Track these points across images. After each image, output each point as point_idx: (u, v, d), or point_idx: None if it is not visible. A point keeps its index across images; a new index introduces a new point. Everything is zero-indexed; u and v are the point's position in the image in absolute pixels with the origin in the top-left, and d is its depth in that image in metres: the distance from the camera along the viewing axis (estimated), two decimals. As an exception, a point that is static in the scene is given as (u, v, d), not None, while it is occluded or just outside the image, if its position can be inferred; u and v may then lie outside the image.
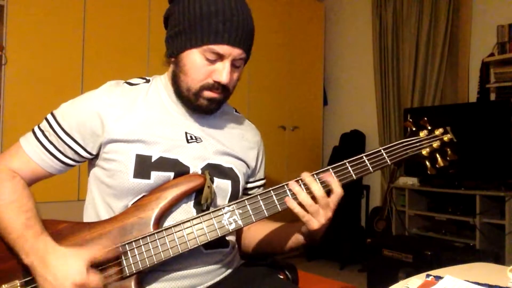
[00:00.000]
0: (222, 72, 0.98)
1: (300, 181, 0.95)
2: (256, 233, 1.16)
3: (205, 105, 1.02)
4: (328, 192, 0.96)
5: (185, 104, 1.05)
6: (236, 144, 1.12)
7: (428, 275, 0.94)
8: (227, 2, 0.98)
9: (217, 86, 1.00)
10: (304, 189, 0.94)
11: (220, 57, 0.98)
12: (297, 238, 1.07)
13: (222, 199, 1.04)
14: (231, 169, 1.07)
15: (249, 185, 1.18)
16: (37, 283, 0.87)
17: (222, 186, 1.04)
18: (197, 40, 0.97)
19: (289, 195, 0.95)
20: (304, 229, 1.01)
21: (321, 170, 0.97)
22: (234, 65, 1.01)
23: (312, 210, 0.93)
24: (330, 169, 0.97)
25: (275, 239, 1.12)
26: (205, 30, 0.96)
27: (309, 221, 0.94)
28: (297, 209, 0.93)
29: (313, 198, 0.93)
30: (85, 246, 0.91)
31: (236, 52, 0.99)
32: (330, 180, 0.95)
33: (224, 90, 1.02)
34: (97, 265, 0.89)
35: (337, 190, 0.94)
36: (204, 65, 0.98)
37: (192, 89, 1.00)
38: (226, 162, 1.07)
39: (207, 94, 1.00)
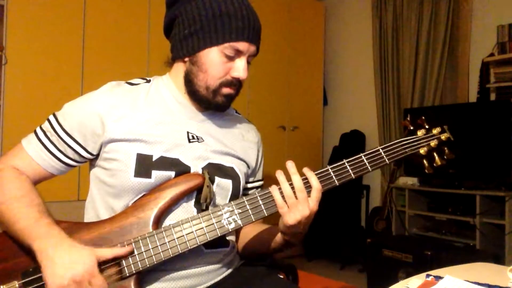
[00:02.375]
0: (241, 69, 1.01)
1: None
2: (245, 234, 1.16)
3: (222, 102, 1.04)
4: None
5: (201, 103, 1.05)
6: (237, 144, 1.12)
7: (428, 275, 0.94)
8: (240, 0, 1.00)
9: (235, 82, 1.03)
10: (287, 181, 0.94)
11: (238, 54, 1.00)
12: (278, 239, 1.05)
13: (223, 199, 1.04)
14: (232, 168, 1.07)
15: (248, 185, 1.18)
16: (42, 268, 0.85)
17: (224, 185, 1.04)
18: (218, 38, 0.98)
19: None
20: (281, 225, 0.98)
21: (320, 170, 0.98)
22: (247, 62, 1.03)
23: (290, 202, 0.93)
24: (330, 169, 0.98)
25: (261, 240, 1.12)
26: (226, 28, 0.98)
27: (285, 214, 0.94)
28: (277, 196, 0.93)
29: (294, 192, 0.93)
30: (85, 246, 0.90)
31: (252, 48, 1.02)
32: (308, 175, 0.95)
33: (239, 86, 1.05)
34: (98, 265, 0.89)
35: (315, 184, 0.94)
36: (223, 62, 1.00)
37: (211, 86, 1.01)
38: (227, 161, 1.07)
39: (225, 90, 1.02)
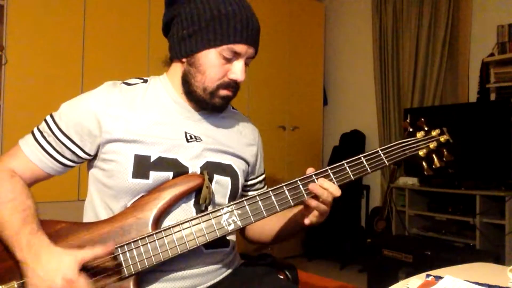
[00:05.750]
0: (238, 71, 1.01)
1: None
2: (274, 222, 1.16)
3: (219, 104, 1.04)
4: None
5: (198, 103, 1.05)
6: (235, 141, 1.12)
7: (428, 275, 0.94)
8: (239, 2, 1.00)
9: (232, 84, 1.02)
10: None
11: (236, 56, 1.00)
12: (297, 225, 1.09)
13: (222, 196, 1.05)
14: (230, 166, 1.08)
15: (250, 182, 1.19)
16: (26, 279, 0.86)
17: (223, 182, 1.04)
18: (216, 40, 0.98)
19: (288, 195, 0.96)
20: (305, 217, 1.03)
21: (320, 171, 0.98)
22: (245, 64, 1.03)
23: (322, 211, 0.98)
24: (329, 170, 0.98)
25: (288, 226, 1.14)
26: (225, 30, 0.98)
27: (319, 218, 0.99)
28: (312, 218, 0.99)
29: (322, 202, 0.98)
30: (83, 246, 0.90)
31: (250, 51, 1.02)
32: (331, 190, 0.96)
33: (237, 87, 1.04)
34: (95, 266, 0.89)
35: (337, 194, 0.97)
36: (221, 64, 1.00)
37: (208, 88, 1.01)
38: (225, 159, 1.07)
39: (223, 92, 1.02)
